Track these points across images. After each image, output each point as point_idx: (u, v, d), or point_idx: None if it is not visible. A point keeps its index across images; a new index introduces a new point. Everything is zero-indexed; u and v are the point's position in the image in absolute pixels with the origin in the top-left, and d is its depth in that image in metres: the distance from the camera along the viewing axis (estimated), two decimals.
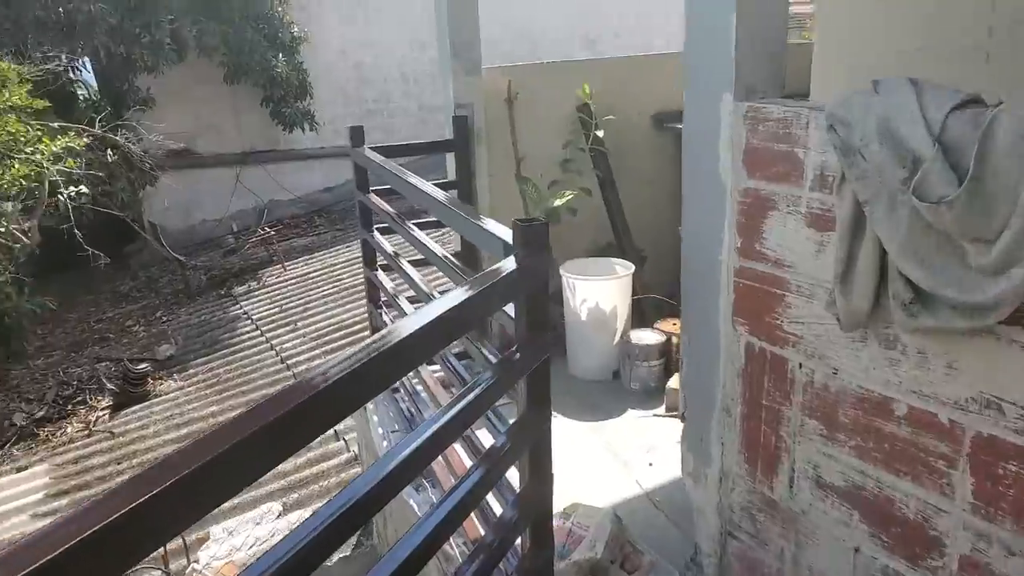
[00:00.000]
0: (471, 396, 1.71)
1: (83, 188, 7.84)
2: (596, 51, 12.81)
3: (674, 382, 3.80)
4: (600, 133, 4.43)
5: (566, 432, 3.70)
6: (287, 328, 7.66)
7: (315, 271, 8.99)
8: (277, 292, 8.63)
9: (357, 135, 3.89)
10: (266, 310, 8.18)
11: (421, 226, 3.20)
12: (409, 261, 3.42)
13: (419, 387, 3.62)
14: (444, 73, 4.22)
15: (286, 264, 9.24)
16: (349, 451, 5.62)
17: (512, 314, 2.00)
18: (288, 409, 1.11)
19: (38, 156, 5.78)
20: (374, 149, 3.84)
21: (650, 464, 3.38)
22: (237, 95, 10.35)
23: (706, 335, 2.26)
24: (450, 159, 4.32)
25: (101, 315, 8.82)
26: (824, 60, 3.41)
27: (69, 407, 6.75)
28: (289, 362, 6.98)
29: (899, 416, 1.76)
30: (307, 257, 9.54)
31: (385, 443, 3.66)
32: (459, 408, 1.64)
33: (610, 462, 3.45)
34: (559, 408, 3.87)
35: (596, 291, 4.04)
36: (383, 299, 3.92)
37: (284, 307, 8.15)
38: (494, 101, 4.30)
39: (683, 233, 2.29)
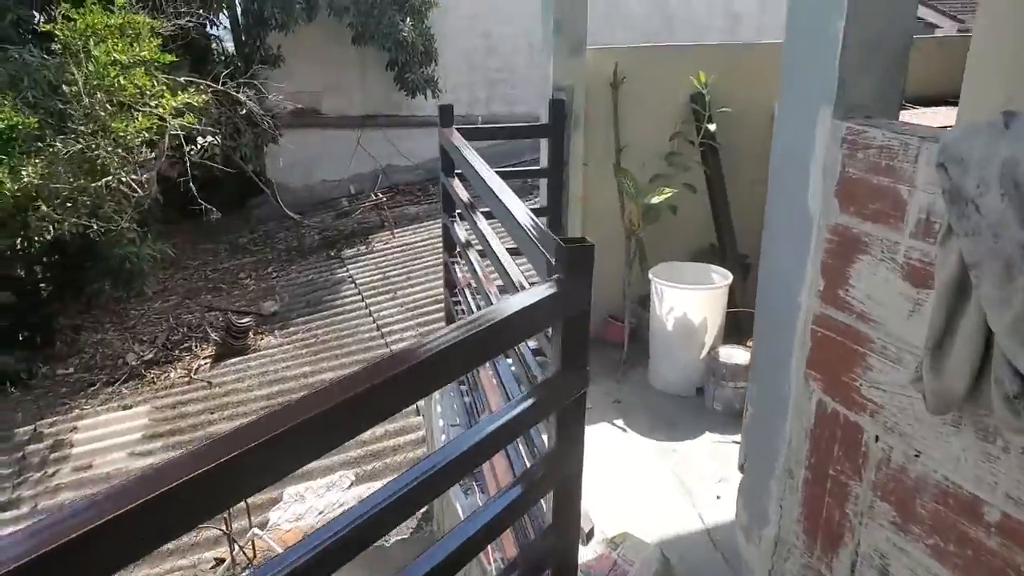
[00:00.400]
0: (506, 417, 1.63)
1: (212, 139, 8.19)
2: (740, 27, 12.09)
3: None
4: (712, 127, 4.08)
5: (635, 449, 3.46)
6: (387, 296, 7.72)
7: (421, 240, 9.02)
8: (383, 258, 8.73)
9: (446, 114, 3.74)
10: (370, 275, 8.29)
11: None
12: (479, 251, 3.25)
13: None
14: (545, 51, 3.99)
15: (395, 231, 9.33)
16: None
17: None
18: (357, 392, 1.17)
19: (160, 110, 6.00)
20: (463, 130, 3.68)
21: (718, 497, 3.10)
22: (364, 57, 10.46)
23: (776, 383, 1.97)
24: (544, 145, 4.10)
25: (218, 265, 9.23)
26: (985, 61, 2.89)
27: (176, 352, 7.09)
28: (384, 330, 7.04)
29: (990, 522, 1.44)
30: (416, 225, 9.60)
31: (443, 436, 3.55)
32: (496, 426, 1.59)
33: (675, 489, 3.18)
34: (632, 422, 3.64)
35: (686, 300, 3.73)
36: (457, 288, 3.78)
37: (387, 274, 8.23)
38: (597, 85, 4.03)
39: (761, 265, 1.99)
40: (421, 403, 5.83)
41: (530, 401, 1.67)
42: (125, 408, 6.25)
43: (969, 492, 1.48)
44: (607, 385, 4.00)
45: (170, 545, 4.84)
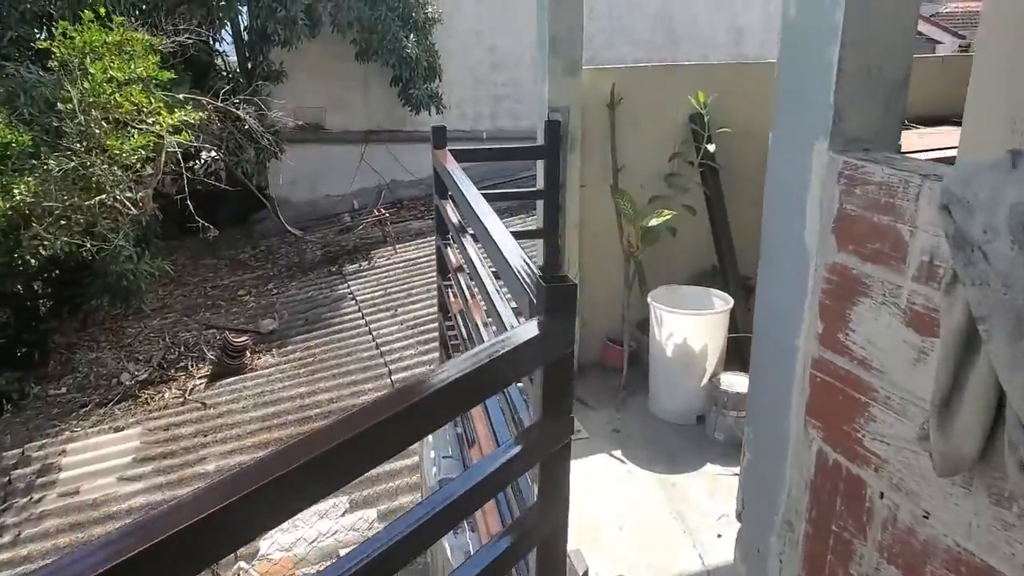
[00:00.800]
0: (493, 467, 1.53)
1: (214, 155, 8.14)
2: (744, 42, 12.00)
3: None
4: (712, 147, 3.97)
5: (633, 482, 3.33)
6: (388, 313, 7.63)
7: (424, 256, 8.93)
8: (385, 275, 8.64)
9: (439, 135, 3.64)
10: (371, 292, 8.20)
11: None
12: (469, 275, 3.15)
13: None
14: (540, 71, 3.89)
15: (398, 247, 9.24)
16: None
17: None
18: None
19: (157, 127, 5.93)
20: (457, 152, 3.59)
21: (719, 536, 2.97)
22: (368, 73, 10.42)
23: (774, 428, 1.85)
24: (540, 166, 4.00)
25: (218, 281, 9.16)
26: (988, 80, 2.78)
27: (171, 372, 7.01)
28: (384, 349, 6.94)
29: None
30: (419, 241, 9.51)
31: (434, 469, 3.43)
32: (485, 476, 1.50)
33: (674, 526, 3.06)
34: (631, 452, 3.52)
35: (686, 326, 3.61)
36: (449, 313, 3.67)
37: (388, 291, 8.14)
38: (593, 105, 3.93)
39: (757, 302, 1.88)
40: None
41: (516, 450, 1.56)
42: (117, 430, 6.15)
43: (983, 561, 1.35)
44: (606, 413, 3.88)
45: None
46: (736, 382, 3.55)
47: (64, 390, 6.94)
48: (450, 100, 10.70)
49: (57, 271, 7.83)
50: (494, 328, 2.58)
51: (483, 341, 2.68)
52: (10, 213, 5.55)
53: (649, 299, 3.72)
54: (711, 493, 3.24)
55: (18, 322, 7.65)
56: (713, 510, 3.11)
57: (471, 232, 2.94)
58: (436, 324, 7.01)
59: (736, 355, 3.83)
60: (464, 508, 1.54)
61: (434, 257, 8.55)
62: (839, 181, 1.56)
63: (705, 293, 3.84)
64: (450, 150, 3.57)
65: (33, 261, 6.23)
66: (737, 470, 3.37)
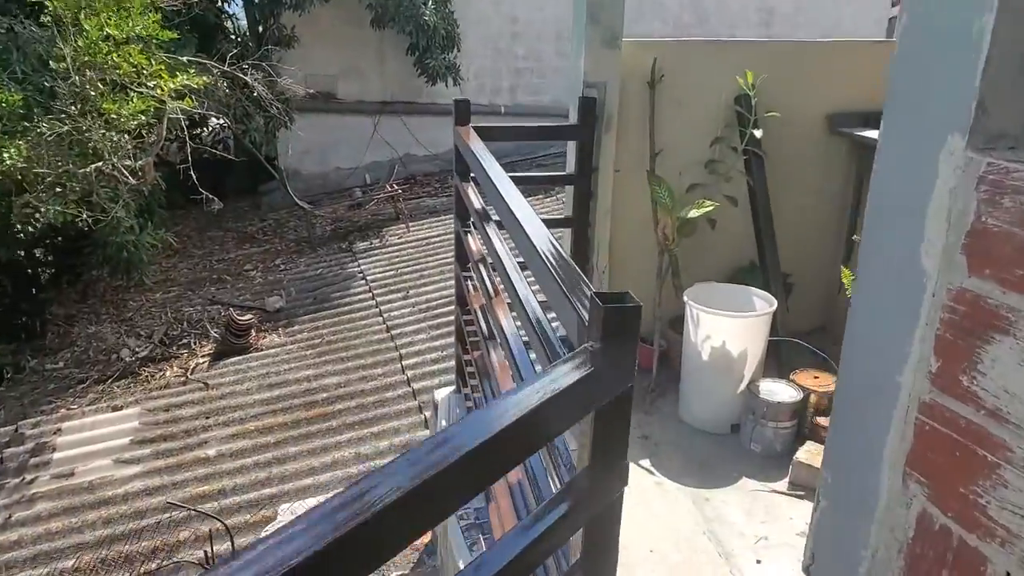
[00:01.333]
0: (530, 539, 1.22)
1: (222, 122, 7.82)
2: (774, 22, 11.56)
3: (805, 455, 3.07)
4: (759, 133, 3.63)
5: (664, 496, 3.06)
6: (399, 294, 7.35)
7: (437, 236, 8.62)
8: (396, 254, 8.35)
9: (462, 111, 3.33)
10: (381, 272, 7.91)
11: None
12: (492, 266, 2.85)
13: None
14: (576, 43, 3.55)
15: (410, 225, 8.93)
16: None
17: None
18: None
19: (158, 92, 5.61)
20: (482, 129, 3.27)
21: (758, 562, 2.69)
22: (383, 41, 10.04)
23: (859, 477, 1.55)
24: (571, 148, 3.67)
25: (224, 255, 8.89)
26: None
27: (173, 349, 6.76)
28: (395, 332, 6.67)
29: None
30: (433, 220, 9.20)
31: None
32: (522, 548, 1.19)
33: (708, 548, 2.78)
34: (661, 463, 3.25)
35: (724, 328, 3.31)
36: (468, 307, 3.38)
37: (400, 271, 7.85)
38: (632, 82, 3.59)
39: (848, 328, 1.57)
40: (429, 415, 5.48)
41: (558, 513, 1.26)
42: (115, 409, 5.92)
43: None
44: (635, 416, 3.58)
45: (153, 564, 4.51)
46: (776, 390, 3.25)
47: (61, 364, 6.70)
48: (468, 72, 10.31)
49: (59, 238, 7.57)
50: (522, 332, 2.27)
51: (508, 345, 2.38)
52: (1, 178, 5.25)
53: (685, 297, 3.42)
54: (748, 512, 2.96)
55: (16, 291, 7.40)
56: (751, 531, 2.84)
57: (495, 219, 2.64)
58: (449, 309, 6.75)
59: (775, 360, 3.53)
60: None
61: (448, 237, 8.31)
62: (978, 188, 1.25)
63: (745, 293, 3.53)
64: (474, 127, 3.26)
65: (30, 228, 5.97)
66: (776, 486, 3.11)
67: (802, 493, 3.01)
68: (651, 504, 3.01)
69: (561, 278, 1.56)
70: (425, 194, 10.14)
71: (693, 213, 3.48)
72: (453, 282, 7.25)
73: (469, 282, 3.30)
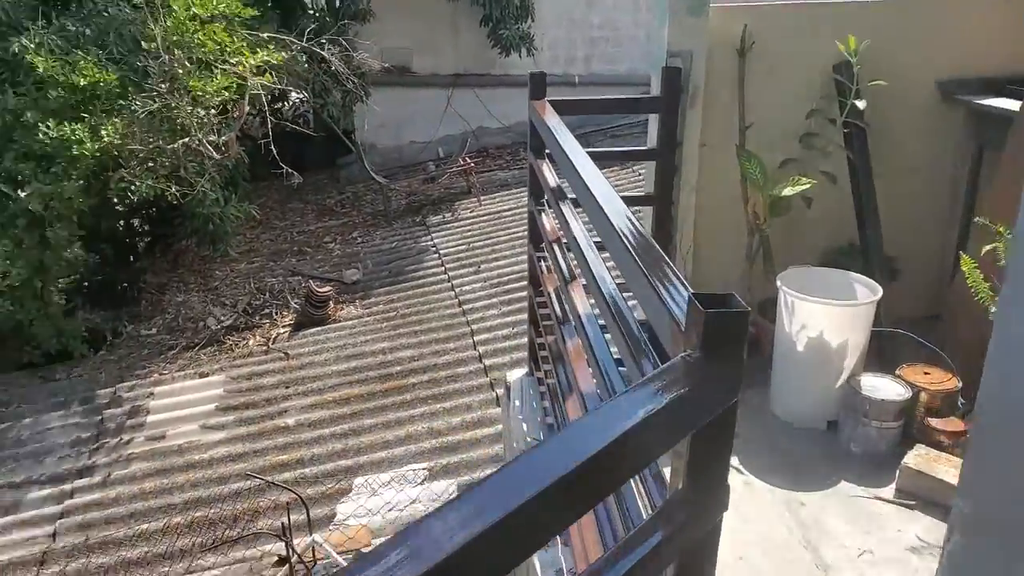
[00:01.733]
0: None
1: (302, 96, 7.89)
2: None
3: (916, 461, 2.81)
4: (861, 104, 3.36)
5: (753, 499, 2.89)
6: (471, 269, 7.31)
7: (509, 209, 8.52)
8: (468, 228, 8.30)
9: (538, 84, 3.18)
10: (454, 246, 7.88)
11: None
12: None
13: None
14: (658, 9, 3.35)
15: (482, 199, 8.86)
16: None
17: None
18: None
19: (239, 68, 5.66)
20: (558, 103, 3.12)
21: None
22: (457, 13, 9.91)
23: (1007, 510, 1.38)
24: (653, 122, 3.49)
25: (304, 227, 9.02)
26: None
27: (256, 318, 6.91)
28: (466, 307, 6.64)
29: None
30: (504, 193, 9.10)
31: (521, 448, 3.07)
32: None
33: (804, 558, 2.61)
34: (749, 460, 3.06)
35: (822, 317, 3.09)
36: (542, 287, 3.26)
37: (472, 245, 7.80)
38: (720, 51, 3.38)
39: (995, 335, 1.38)
40: (500, 393, 5.42)
41: (648, 545, 1.13)
42: (202, 376, 6.10)
43: None
44: None
45: (234, 532, 4.62)
46: (880, 386, 3.03)
47: (154, 331, 6.96)
48: (542, 42, 10.09)
49: (154, 209, 7.81)
50: (600, 320, 2.14)
51: (584, 331, 2.26)
52: (99, 155, 5.43)
53: (779, 282, 3.21)
54: (850, 521, 2.76)
55: (116, 259, 7.72)
56: (853, 542, 2.65)
57: (571, 197, 2.51)
58: (521, 285, 6.65)
59: (876, 353, 3.29)
60: None
61: (520, 210, 8.20)
62: None
63: (844, 278, 3.30)
64: (550, 101, 3.11)
65: (127, 201, 6.16)
66: (880, 492, 2.88)
67: (912, 503, 2.76)
68: (739, 505, 2.85)
69: (645, 265, 1.41)
70: (497, 167, 10.03)
71: (787, 191, 3.27)
72: (524, 257, 7.18)
73: (543, 262, 3.19)
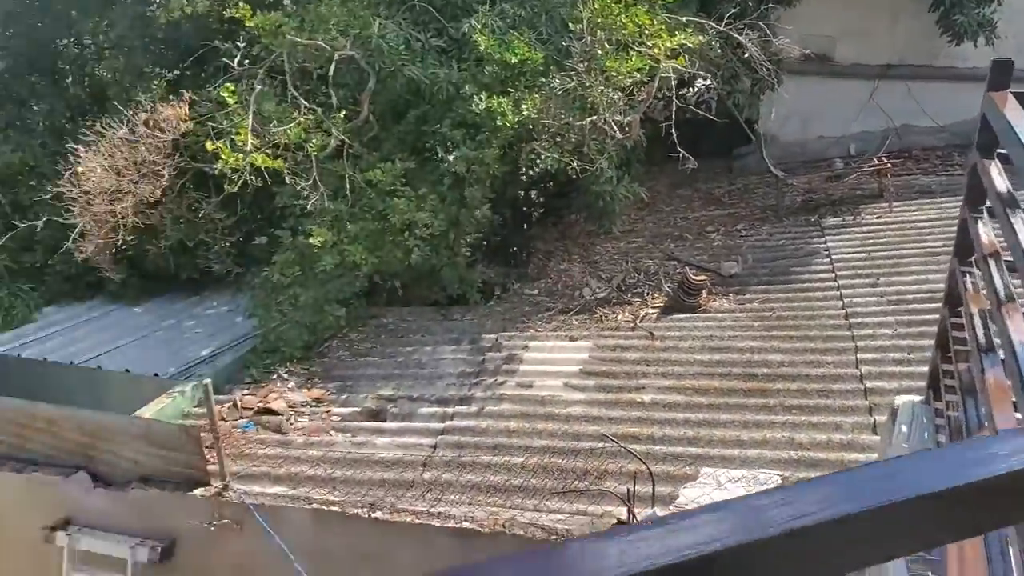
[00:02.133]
0: None
1: (708, 83, 7.83)
2: None
3: None
4: None
5: None
6: (866, 280, 6.62)
7: (927, 220, 7.50)
8: (871, 235, 7.50)
9: (1001, 73, 2.67)
10: (850, 252, 7.20)
11: None
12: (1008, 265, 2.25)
13: None
14: None
15: (894, 204, 7.92)
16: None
17: None
18: None
19: (655, 51, 5.76)
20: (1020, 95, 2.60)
21: None
22: None
23: None
24: None
25: (689, 213, 8.99)
26: None
27: (627, 296, 7.10)
28: (853, 321, 6.04)
29: None
30: (924, 200, 8.03)
31: None
32: None
33: None
34: None
35: None
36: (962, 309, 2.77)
37: (872, 255, 7.04)
38: None
39: None
40: (881, 419, 4.83)
41: None
42: (571, 339, 6.47)
43: None
44: None
45: (581, 485, 4.83)
46: None
47: (536, 292, 7.56)
48: (1008, 29, 8.56)
49: (551, 183, 8.46)
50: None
51: (1016, 362, 1.86)
52: (517, 127, 6.00)
53: None
54: None
55: (513, 225, 8.55)
56: None
57: None
58: (929, 307, 5.80)
59: None
60: None
61: (942, 223, 7.14)
62: None
63: None
64: (1013, 93, 2.59)
65: (531, 172, 6.75)
66: None
67: None
68: None
69: None
70: (920, 171, 8.86)
71: None
72: (938, 275, 6.25)
73: (968, 279, 2.70)
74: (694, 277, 6.79)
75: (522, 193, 8.88)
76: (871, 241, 7.33)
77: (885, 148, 9.03)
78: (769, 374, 5.57)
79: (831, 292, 6.55)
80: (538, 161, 6.40)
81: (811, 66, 9.15)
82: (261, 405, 6.02)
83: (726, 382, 5.59)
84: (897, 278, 6.49)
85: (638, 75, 5.87)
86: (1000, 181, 2.37)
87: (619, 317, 6.77)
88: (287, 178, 6.37)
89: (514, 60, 6.12)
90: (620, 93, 5.88)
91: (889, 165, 8.22)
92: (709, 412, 5.28)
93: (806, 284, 6.83)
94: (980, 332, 2.35)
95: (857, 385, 5.27)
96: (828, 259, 7.15)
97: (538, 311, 7.15)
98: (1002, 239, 2.40)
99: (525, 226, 8.97)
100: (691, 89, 10.21)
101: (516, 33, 6.44)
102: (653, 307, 6.89)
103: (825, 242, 7.52)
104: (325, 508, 4.75)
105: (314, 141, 6.16)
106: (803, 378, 5.45)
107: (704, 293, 6.79)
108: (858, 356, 5.53)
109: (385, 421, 5.85)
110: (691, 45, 5.84)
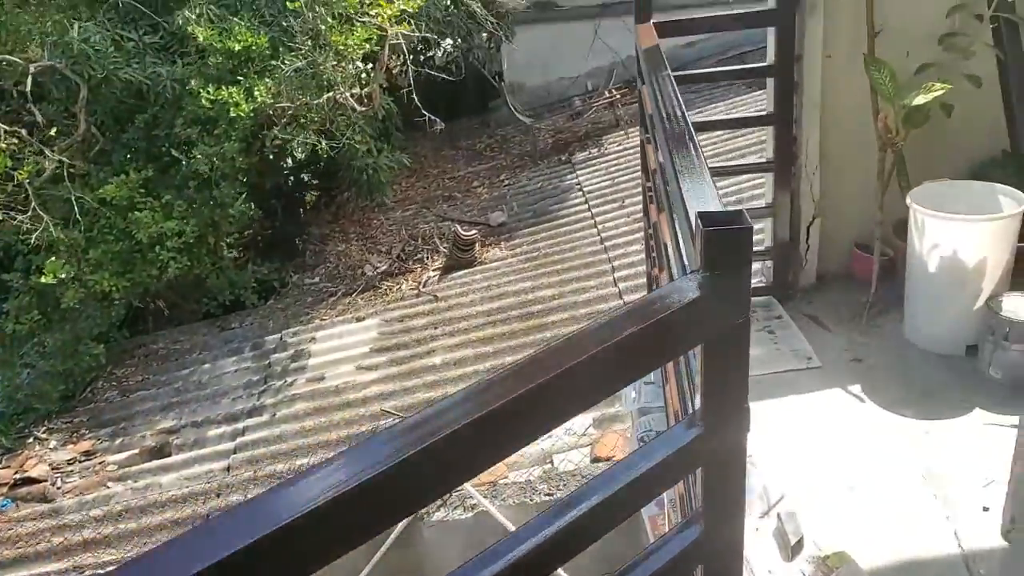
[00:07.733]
0: (627, 478, 1.17)
1: (447, 43, 8.05)
2: None
3: None
4: None
5: (874, 428, 2.75)
6: (615, 204, 7.23)
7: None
8: (614, 162, 8.16)
9: (642, 6, 3.08)
10: (598, 182, 7.81)
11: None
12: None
13: None
14: None
15: (629, 130, 8.66)
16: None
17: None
18: None
19: (379, 19, 5.86)
20: (664, 26, 3.03)
21: (985, 509, 2.33)
22: None
23: None
24: (771, 35, 3.26)
25: (455, 172, 9.28)
26: None
27: (409, 264, 7.27)
28: (608, 244, 6.60)
29: None
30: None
31: (633, 394, 3.10)
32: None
33: (923, 491, 2.46)
34: (873, 388, 2.93)
35: (957, 234, 2.82)
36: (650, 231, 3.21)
37: (616, 180, 7.69)
38: None
39: None
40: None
41: (652, 462, 1.17)
42: (358, 320, 6.53)
43: None
44: (846, 336, 3.26)
45: None
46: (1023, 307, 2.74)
47: (317, 280, 7.52)
48: None
49: (320, 164, 8.32)
50: (686, 260, 2.12)
51: (668, 265, 2.24)
52: (253, 115, 5.87)
53: (908, 199, 2.95)
54: (979, 450, 2.57)
55: (285, 213, 8.36)
56: (979, 473, 2.46)
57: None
58: None
59: (1021, 271, 2.95)
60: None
61: None
62: None
63: (990, 191, 2.97)
64: (655, 23, 3.01)
65: (291, 159, 6.59)
66: (1017, 421, 2.65)
67: None
68: (857, 436, 2.72)
69: (680, 188, 1.41)
70: None
71: (921, 99, 2.96)
72: None
73: (651, 195, 3.13)
74: (464, 233, 7.07)
75: (291, 180, 8.69)
76: (615, 168, 7.99)
77: (613, 80, 9.80)
78: (543, 309, 5.98)
79: (587, 222, 7.11)
80: (289, 147, 6.29)
81: (538, 13, 9.68)
82: (18, 477, 5.39)
83: (507, 326, 5.93)
84: (639, 196, 7.13)
85: (367, 46, 5.95)
86: (650, 104, 2.75)
87: (403, 287, 6.93)
88: None
89: (238, 47, 5.93)
90: (354, 66, 5.93)
91: (619, 96, 8.97)
92: (495, 359, 5.58)
93: (565, 219, 7.35)
94: (653, 245, 2.76)
95: (619, 302, 5.81)
96: (581, 192, 7.72)
97: (321, 299, 7.13)
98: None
99: (300, 214, 8.82)
100: (439, 51, 10.44)
101: (236, 19, 6.25)
102: (434, 270, 7.12)
103: (576, 177, 8.10)
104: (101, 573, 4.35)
105: (25, 167, 5.64)
106: (572, 306, 5.90)
107: (477, 246, 7.11)
108: (615, 275, 6.09)
109: (169, 456, 5.47)
110: (411, 9, 5.98)
